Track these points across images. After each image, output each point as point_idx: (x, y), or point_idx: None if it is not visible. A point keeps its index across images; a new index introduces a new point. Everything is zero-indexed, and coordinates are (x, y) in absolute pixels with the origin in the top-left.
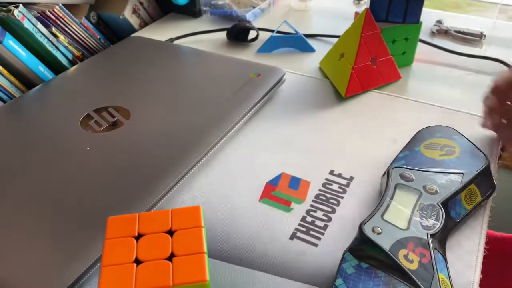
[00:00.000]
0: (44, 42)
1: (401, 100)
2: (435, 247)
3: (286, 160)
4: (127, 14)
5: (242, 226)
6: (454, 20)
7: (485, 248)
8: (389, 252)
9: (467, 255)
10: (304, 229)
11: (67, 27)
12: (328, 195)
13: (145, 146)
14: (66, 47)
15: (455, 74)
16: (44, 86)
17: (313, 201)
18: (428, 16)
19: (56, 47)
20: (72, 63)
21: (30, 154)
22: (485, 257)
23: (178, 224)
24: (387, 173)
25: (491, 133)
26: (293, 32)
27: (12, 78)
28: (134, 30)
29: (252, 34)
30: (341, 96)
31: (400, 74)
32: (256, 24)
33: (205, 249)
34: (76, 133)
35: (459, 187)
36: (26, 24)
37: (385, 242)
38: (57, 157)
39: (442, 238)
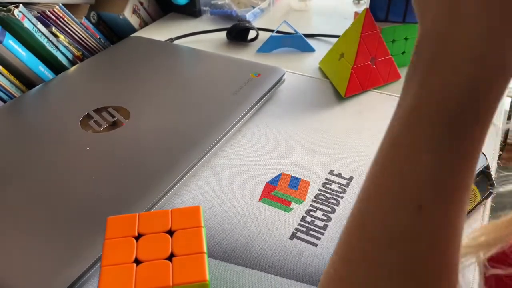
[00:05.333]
0: (44, 42)
1: None
2: None
3: (286, 160)
4: (127, 14)
5: (242, 226)
6: None
7: None
8: None
9: None
10: (304, 229)
11: (67, 27)
12: (328, 195)
13: (145, 146)
14: (66, 47)
15: None
16: (44, 86)
17: (313, 201)
18: None
19: (56, 47)
20: (72, 63)
21: (30, 154)
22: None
23: (178, 224)
24: None
25: (490, 132)
26: (293, 32)
27: (12, 78)
28: (134, 30)
29: (251, 34)
30: (340, 96)
31: (400, 74)
32: (256, 24)
33: (205, 249)
34: (76, 133)
35: None
36: (26, 23)
37: None
38: (57, 157)
39: None
